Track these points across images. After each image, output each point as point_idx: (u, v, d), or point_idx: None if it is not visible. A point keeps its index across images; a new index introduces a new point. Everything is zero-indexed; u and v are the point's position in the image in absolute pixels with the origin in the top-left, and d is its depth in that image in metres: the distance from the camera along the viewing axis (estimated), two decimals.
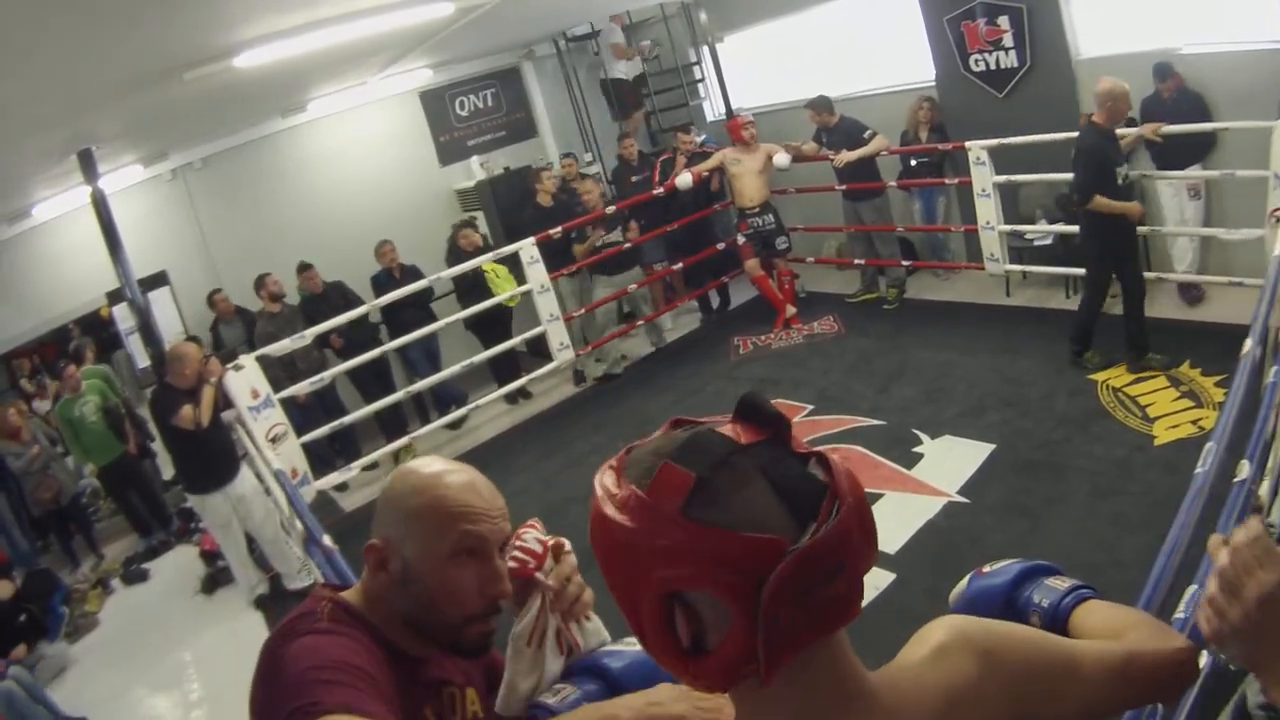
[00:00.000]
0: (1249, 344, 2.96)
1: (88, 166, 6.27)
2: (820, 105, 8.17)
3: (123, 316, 8.30)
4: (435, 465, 1.37)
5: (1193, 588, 2.16)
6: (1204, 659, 2.06)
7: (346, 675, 1.21)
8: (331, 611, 1.33)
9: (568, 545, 1.50)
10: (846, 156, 8.00)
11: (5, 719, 5.44)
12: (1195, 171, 6.30)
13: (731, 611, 0.87)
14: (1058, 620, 1.32)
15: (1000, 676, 1.04)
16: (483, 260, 7.97)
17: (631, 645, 1.47)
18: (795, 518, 0.87)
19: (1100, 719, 1.59)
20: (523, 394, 8.63)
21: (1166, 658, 1.17)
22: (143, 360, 8.08)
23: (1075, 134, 5.93)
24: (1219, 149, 6.16)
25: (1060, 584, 1.36)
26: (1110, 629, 1.23)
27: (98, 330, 9.24)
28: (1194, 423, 5.14)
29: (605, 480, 0.95)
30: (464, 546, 1.31)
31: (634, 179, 9.20)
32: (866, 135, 7.95)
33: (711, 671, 0.91)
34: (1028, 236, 7.50)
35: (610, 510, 0.91)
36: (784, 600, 0.85)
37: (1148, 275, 6.24)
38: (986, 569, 1.44)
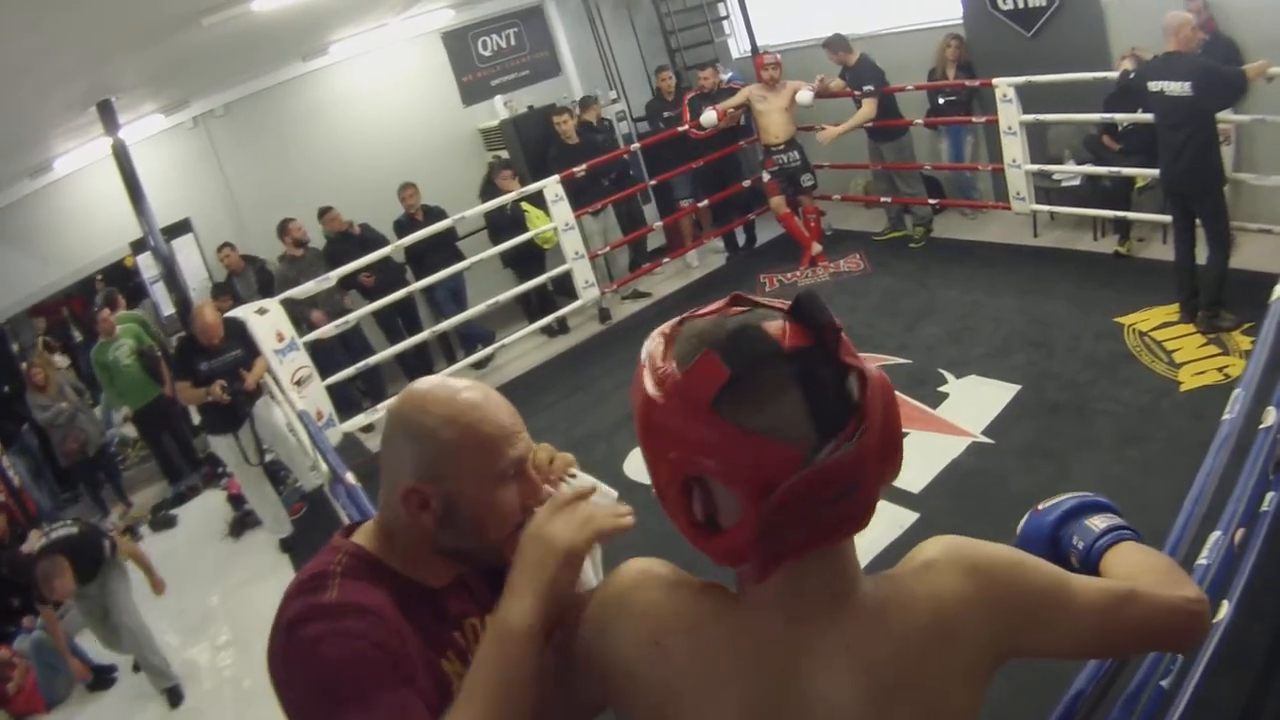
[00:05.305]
0: (1279, 290, 2.91)
1: (108, 117, 6.28)
2: (836, 44, 8.06)
3: (146, 265, 8.32)
4: (446, 389, 1.32)
5: (1216, 533, 2.15)
6: (1223, 613, 2.07)
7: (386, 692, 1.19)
8: (346, 566, 1.30)
9: None
10: (831, 133, 8.09)
11: (35, 669, 5.56)
12: (1226, 116, 6.17)
13: (742, 507, 0.90)
14: (1090, 562, 1.30)
15: (989, 594, 1.05)
16: (512, 198, 7.98)
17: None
18: (820, 431, 0.89)
19: (1101, 658, 1.59)
20: (561, 327, 8.69)
21: (1168, 605, 1.15)
22: (167, 308, 8.11)
23: (1104, 74, 6.04)
24: (1249, 94, 6.05)
25: (1099, 524, 1.33)
26: (1126, 573, 1.21)
27: (122, 280, 9.27)
28: (1220, 370, 5.08)
29: (654, 348, 1.00)
30: (510, 471, 1.30)
31: (666, 114, 9.11)
32: (862, 91, 7.91)
33: (722, 550, 0.95)
34: (1055, 177, 7.39)
35: (648, 381, 0.96)
36: (788, 512, 0.88)
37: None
38: (1042, 506, 1.42)
